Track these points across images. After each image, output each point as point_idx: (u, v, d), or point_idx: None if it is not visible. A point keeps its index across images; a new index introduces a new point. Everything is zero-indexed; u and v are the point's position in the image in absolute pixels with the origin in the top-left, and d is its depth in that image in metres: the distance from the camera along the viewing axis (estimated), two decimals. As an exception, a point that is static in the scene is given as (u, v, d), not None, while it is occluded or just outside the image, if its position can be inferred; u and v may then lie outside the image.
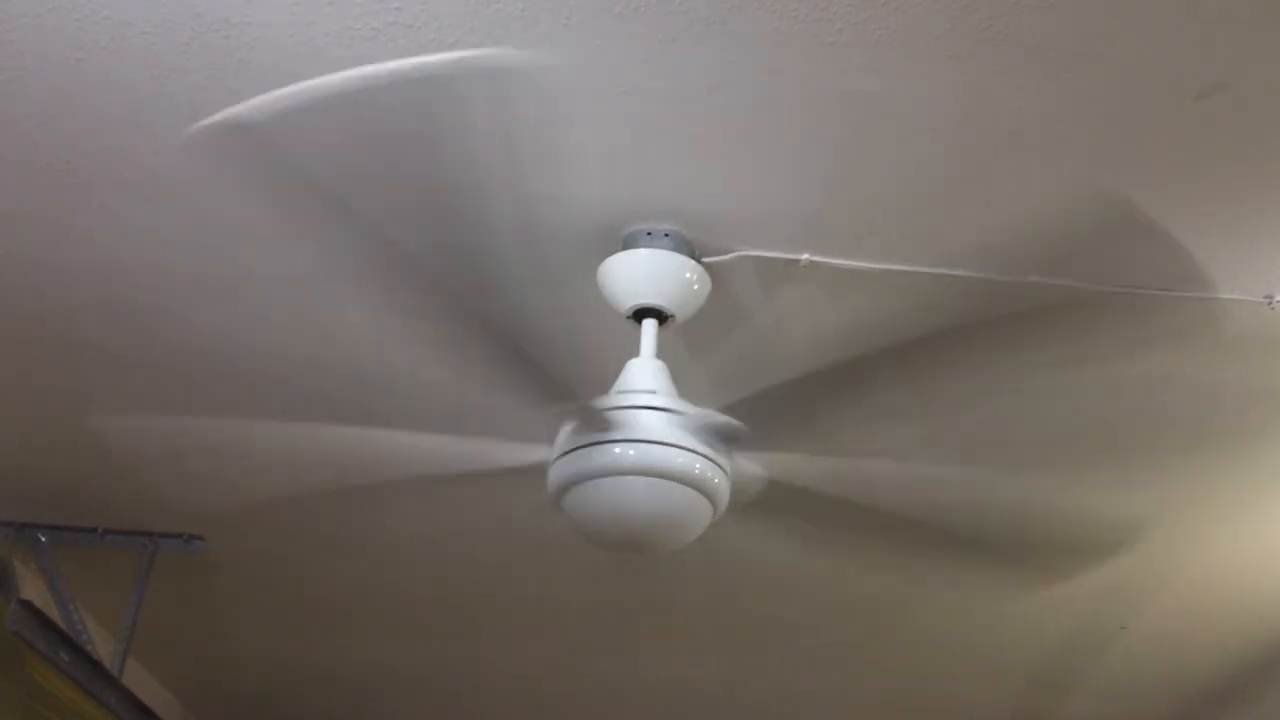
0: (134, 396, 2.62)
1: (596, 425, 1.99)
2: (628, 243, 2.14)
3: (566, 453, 2.01)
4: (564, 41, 1.79)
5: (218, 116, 1.89)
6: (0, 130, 1.97)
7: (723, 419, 2.01)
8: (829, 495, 2.23)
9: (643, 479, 1.99)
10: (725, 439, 2.04)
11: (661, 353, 2.13)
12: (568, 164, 2.01)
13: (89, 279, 2.29)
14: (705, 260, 2.17)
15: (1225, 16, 1.71)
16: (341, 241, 2.14)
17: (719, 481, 2.03)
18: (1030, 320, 2.28)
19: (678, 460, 1.99)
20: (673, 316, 2.17)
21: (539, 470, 2.09)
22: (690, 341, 2.38)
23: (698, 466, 2.00)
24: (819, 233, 2.13)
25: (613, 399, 2.04)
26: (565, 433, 2.03)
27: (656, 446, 1.98)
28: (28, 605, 2.70)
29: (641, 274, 2.13)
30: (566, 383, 1.98)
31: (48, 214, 2.14)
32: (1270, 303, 2.22)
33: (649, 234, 2.13)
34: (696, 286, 2.16)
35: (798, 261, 2.17)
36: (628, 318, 2.18)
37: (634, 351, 2.13)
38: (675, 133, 1.95)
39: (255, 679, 4.09)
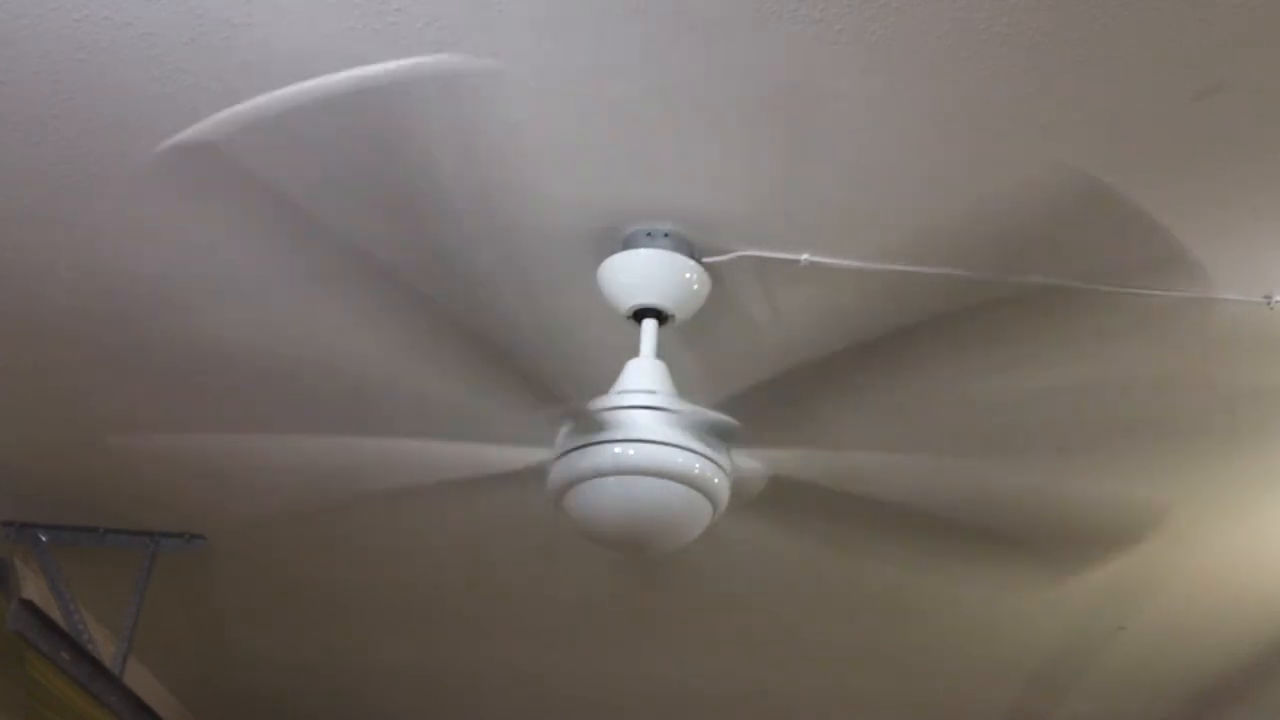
0: (135, 396, 2.62)
1: (596, 425, 1.99)
2: (628, 243, 2.15)
3: (566, 453, 2.01)
4: (566, 43, 1.79)
5: (216, 117, 1.89)
6: (0, 130, 1.97)
7: (722, 418, 2.01)
8: (830, 492, 2.24)
9: (643, 479, 1.99)
10: (725, 438, 2.05)
11: (661, 353, 2.13)
12: (568, 164, 2.01)
13: (90, 280, 2.29)
14: (705, 260, 2.17)
15: (1225, 17, 1.71)
16: (342, 244, 2.14)
17: (719, 481, 2.03)
18: (1029, 319, 2.29)
19: (678, 460, 1.99)
20: (673, 316, 2.17)
21: (539, 471, 2.09)
22: (690, 341, 2.38)
23: (697, 466, 2.00)
24: (819, 232, 2.13)
25: (613, 399, 2.04)
26: (565, 433, 2.03)
27: (656, 446, 1.98)
28: (29, 605, 2.71)
29: (641, 274, 2.13)
30: (566, 383, 1.98)
31: (48, 215, 2.14)
32: (1270, 303, 2.22)
33: (649, 234, 2.13)
34: (696, 286, 2.16)
35: (797, 261, 2.17)
36: (628, 318, 2.18)
37: (634, 351, 2.13)
38: (675, 133, 1.95)
39: (256, 679, 4.09)
